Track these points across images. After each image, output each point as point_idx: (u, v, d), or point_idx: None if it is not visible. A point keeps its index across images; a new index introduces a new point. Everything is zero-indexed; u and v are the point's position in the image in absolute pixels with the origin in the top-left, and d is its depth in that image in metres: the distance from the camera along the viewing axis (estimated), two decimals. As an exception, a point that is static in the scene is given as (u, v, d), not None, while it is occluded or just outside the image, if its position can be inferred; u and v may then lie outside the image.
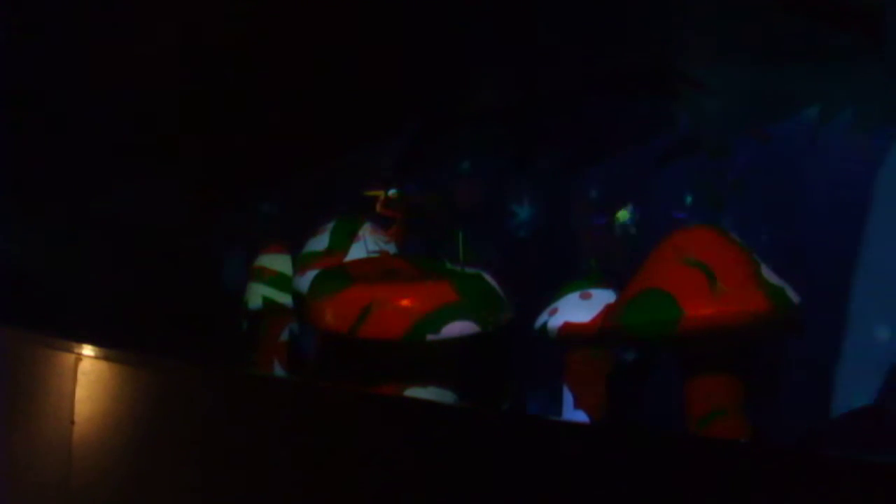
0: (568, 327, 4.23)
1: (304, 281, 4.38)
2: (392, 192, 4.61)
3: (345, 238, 4.59)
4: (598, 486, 3.04)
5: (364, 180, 5.06)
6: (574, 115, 5.19)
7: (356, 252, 4.35)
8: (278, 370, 4.74)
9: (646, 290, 3.69)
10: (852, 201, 4.66)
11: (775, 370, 3.88)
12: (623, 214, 3.82)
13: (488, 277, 4.05)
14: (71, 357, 4.39)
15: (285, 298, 4.69)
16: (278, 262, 4.86)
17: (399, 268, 4.02)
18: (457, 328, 3.73)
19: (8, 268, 5.31)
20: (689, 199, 4.01)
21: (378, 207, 4.59)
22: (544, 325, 4.37)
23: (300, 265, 4.62)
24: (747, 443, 3.60)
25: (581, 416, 4.23)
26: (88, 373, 4.36)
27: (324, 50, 5.22)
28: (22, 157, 5.32)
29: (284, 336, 4.80)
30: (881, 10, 4.28)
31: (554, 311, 4.35)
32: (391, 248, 4.35)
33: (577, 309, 4.26)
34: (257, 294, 4.84)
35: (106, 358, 4.35)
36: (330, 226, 4.63)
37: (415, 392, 3.95)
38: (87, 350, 4.37)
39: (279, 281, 4.78)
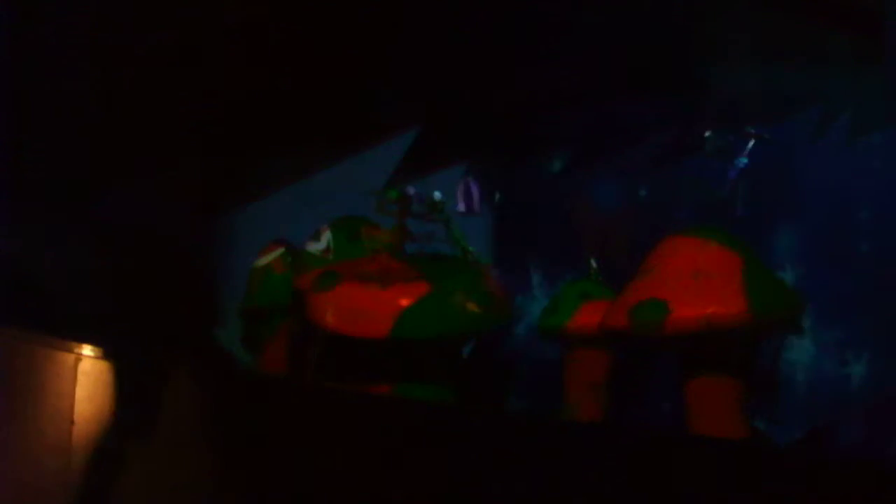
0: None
1: (304, 281, 4.37)
2: (392, 192, 4.61)
3: (343, 239, 4.60)
4: (598, 485, 3.04)
5: (363, 181, 5.06)
6: (575, 114, 5.19)
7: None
8: (278, 370, 4.74)
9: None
10: (853, 201, 4.66)
11: (775, 370, 3.89)
12: None
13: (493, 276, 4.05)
14: (71, 357, 4.39)
15: (285, 298, 4.69)
16: (278, 263, 4.86)
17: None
18: None
19: (8, 268, 5.31)
20: (688, 200, 4.01)
21: (378, 208, 4.59)
22: (544, 324, 4.36)
23: (299, 265, 4.62)
24: (747, 443, 3.60)
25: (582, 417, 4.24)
26: (88, 373, 4.37)
27: (323, 49, 5.23)
28: (22, 157, 5.32)
29: (284, 336, 4.80)
30: (881, 11, 4.28)
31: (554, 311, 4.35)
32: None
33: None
34: (257, 294, 4.84)
35: (106, 358, 4.35)
36: (329, 226, 4.64)
37: (414, 391, 3.96)
38: (87, 350, 4.38)
39: (279, 281, 4.77)
